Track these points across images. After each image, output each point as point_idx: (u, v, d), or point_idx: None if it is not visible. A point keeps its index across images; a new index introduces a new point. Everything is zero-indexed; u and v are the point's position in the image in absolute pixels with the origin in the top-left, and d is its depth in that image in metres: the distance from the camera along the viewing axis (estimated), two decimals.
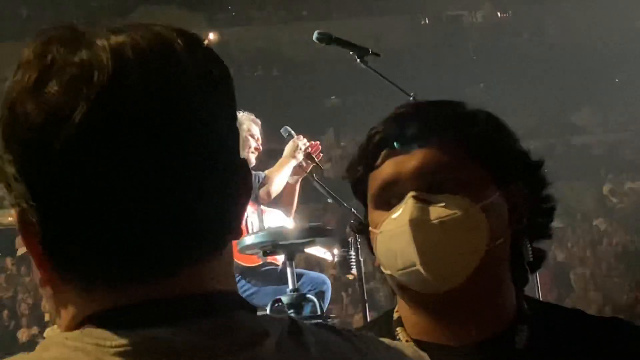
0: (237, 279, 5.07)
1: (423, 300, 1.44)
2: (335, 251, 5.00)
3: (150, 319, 0.84)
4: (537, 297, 4.14)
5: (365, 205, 1.51)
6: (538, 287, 5.40)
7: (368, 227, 1.50)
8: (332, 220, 11.88)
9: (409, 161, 1.43)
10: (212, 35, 25.73)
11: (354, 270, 4.73)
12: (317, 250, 5.44)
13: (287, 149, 5.35)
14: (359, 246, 4.63)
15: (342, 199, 4.78)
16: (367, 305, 4.82)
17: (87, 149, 0.81)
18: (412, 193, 1.40)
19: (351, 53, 4.21)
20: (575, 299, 12.56)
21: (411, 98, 3.88)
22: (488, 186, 1.43)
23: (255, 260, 5.14)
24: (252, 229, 5.16)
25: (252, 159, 5.40)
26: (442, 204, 1.39)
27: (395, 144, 1.44)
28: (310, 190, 5.71)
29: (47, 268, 0.87)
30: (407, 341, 1.46)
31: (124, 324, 0.83)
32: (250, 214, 5.27)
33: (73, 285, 0.86)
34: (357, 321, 11.41)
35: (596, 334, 1.46)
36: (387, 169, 1.45)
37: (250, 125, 5.39)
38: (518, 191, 1.46)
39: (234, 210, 0.89)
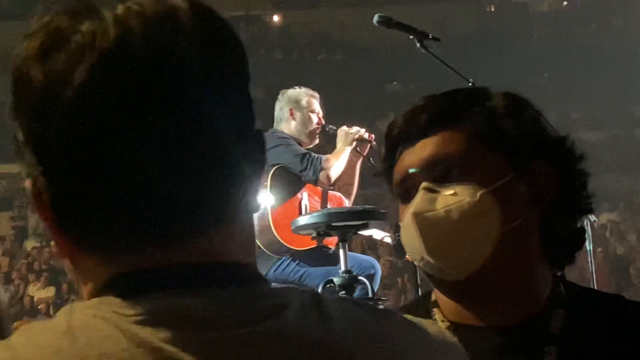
0: (287, 260, 5.13)
1: (448, 287, 1.45)
2: (392, 235, 4.99)
3: (166, 285, 0.83)
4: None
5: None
6: (594, 279, 5.37)
7: None
8: (389, 205, 11.87)
9: (421, 153, 1.44)
10: (276, 18, 25.81)
11: (408, 255, 4.72)
12: (377, 234, 5.44)
13: (339, 139, 5.37)
14: None
15: None
16: (419, 289, 4.82)
17: (87, 112, 0.82)
18: (423, 184, 1.42)
19: (411, 37, 4.20)
20: (633, 293, 12.42)
21: (470, 83, 3.86)
22: (500, 168, 1.42)
23: (306, 244, 5.15)
24: (306, 211, 5.18)
25: (316, 137, 5.42)
26: (450, 192, 1.40)
27: (407, 137, 1.46)
28: (368, 175, 5.72)
29: (64, 239, 0.87)
30: (442, 322, 1.47)
31: (140, 290, 0.83)
32: (305, 196, 5.30)
33: (90, 253, 0.86)
34: None
35: (636, 320, 1.44)
36: (403, 162, 1.47)
37: (310, 102, 5.40)
38: (539, 169, 1.43)
39: (240, 181, 0.88)
